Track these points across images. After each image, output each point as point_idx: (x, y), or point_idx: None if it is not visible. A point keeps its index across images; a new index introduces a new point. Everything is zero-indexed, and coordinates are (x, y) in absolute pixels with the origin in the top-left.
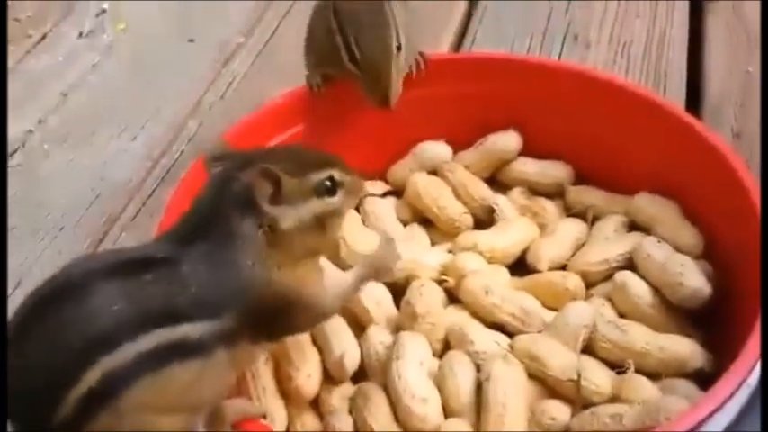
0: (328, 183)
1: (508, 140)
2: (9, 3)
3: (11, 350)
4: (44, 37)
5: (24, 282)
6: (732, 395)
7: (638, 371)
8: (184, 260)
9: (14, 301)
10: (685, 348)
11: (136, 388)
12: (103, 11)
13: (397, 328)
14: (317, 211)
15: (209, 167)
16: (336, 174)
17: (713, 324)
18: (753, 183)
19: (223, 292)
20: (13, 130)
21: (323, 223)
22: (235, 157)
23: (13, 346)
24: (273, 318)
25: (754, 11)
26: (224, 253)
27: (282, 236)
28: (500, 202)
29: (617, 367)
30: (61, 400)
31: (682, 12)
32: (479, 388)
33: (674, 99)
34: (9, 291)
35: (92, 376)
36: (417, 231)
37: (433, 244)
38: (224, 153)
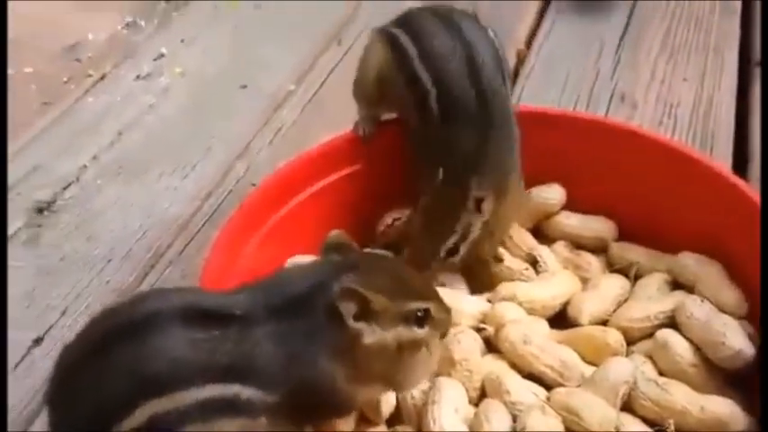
0: (420, 314)
1: (551, 193)
2: (73, 44)
3: (72, 369)
4: (103, 77)
5: (70, 310)
6: None
7: (677, 431)
8: (260, 325)
9: (59, 328)
10: (726, 410)
11: None
12: (162, 55)
13: (433, 374)
14: (402, 337)
15: (325, 253)
16: (432, 308)
17: (754, 387)
18: None
19: (284, 373)
20: (69, 164)
21: (403, 350)
22: (347, 255)
23: (74, 367)
24: (316, 412)
25: None
26: (302, 340)
27: (361, 350)
28: (543, 254)
29: (656, 425)
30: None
31: (730, 75)
32: None
33: (722, 161)
34: (55, 318)
35: (139, 416)
36: (456, 279)
37: (471, 293)
38: (341, 245)
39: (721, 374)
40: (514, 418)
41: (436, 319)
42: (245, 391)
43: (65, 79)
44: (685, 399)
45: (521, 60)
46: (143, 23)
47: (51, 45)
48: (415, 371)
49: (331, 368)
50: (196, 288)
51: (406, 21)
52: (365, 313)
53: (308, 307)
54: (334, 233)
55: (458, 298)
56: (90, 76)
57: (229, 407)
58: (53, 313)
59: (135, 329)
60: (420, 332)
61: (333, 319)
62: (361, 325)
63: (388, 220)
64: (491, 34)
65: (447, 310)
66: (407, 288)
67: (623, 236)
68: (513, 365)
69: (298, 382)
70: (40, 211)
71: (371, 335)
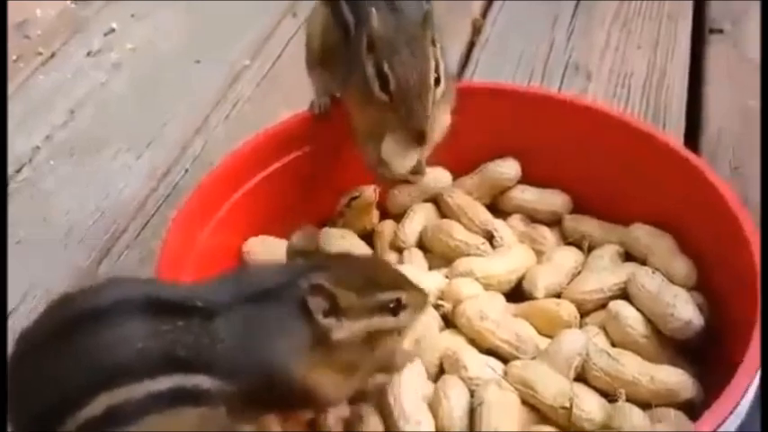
0: (392, 304)
1: (507, 168)
2: (21, 21)
3: (29, 356)
4: (53, 55)
5: (29, 295)
6: (720, 425)
7: (629, 400)
8: (225, 317)
9: (19, 313)
10: (675, 379)
11: (139, 427)
12: (112, 30)
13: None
14: (372, 327)
15: (290, 256)
16: (404, 296)
17: (706, 357)
18: (747, 218)
19: (244, 362)
20: (21, 145)
21: (376, 339)
22: (314, 255)
23: (32, 354)
24: (280, 402)
25: (755, 44)
26: (266, 332)
27: (330, 344)
28: (499, 227)
29: (609, 396)
30: (64, 421)
31: (683, 43)
32: (473, 413)
33: (674, 131)
34: (14, 303)
35: (96, 406)
36: (415, 255)
37: (429, 268)
38: (306, 252)
39: (672, 345)
40: (472, 394)
41: (411, 306)
42: (207, 381)
43: (14, 57)
44: (636, 369)
45: (476, 30)
46: None
47: None
48: (394, 354)
49: (297, 361)
50: (159, 279)
51: None
52: (334, 309)
53: (276, 302)
54: (297, 235)
55: (416, 274)
56: (40, 53)
57: (190, 397)
58: (11, 299)
59: (95, 318)
60: (394, 320)
61: (302, 314)
62: (330, 321)
63: (346, 199)
64: None
65: (422, 294)
66: (377, 281)
67: (577, 209)
68: (471, 341)
69: (262, 374)
70: None
71: (340, 330)
